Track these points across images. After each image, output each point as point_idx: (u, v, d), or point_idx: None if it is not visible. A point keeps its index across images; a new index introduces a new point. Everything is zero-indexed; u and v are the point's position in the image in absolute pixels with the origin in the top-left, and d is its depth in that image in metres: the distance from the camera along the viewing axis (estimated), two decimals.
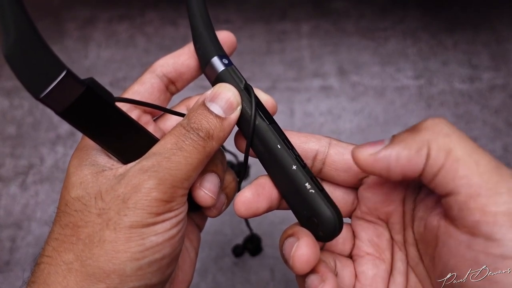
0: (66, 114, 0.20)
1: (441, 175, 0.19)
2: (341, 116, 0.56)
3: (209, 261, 0.47)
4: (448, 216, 0.19)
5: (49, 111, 0.58)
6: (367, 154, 0.21)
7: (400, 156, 0.20)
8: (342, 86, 0.58)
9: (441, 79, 0.58)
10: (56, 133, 0.56)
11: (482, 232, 0.17)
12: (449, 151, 0.19)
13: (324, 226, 0.23)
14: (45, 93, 0.19)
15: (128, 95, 0.26)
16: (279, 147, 0.24)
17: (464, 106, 0.56)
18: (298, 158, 0.24)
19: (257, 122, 0.24)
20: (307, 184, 0.23)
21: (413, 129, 0.21)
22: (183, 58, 0.28)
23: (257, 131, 0.25)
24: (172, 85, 0.28)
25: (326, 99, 0.57)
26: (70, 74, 0.19)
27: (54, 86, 0.19)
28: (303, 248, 0.22)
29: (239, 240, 0.48)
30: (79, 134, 0.56)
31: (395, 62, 0.60)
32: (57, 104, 0.19)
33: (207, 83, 0.29)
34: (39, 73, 0.18)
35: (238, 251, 0.47)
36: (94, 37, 0.64)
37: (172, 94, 0.29)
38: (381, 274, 0.25)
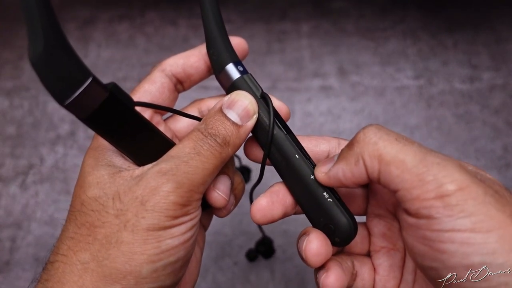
0: (89, 120, 0.20)
1: (381, 178, 0.21)
2: (341, 116, 0.56)
3: (209, 261, 0.47)
4: (401, 206, 0.22)
5: (49, 111, 0.58)
6: (322, 173, 0.24)
7: (344, 172, 0.23)
8: (342, 86, 0.58)
9: (441, 79, 0.58)
10: (56, 133, 0.56)
11: (423, 215, 0.20)
12: (379, 157, 0.21)
13: (341, 232, 0.24)
14: (70, 100, 0.18)
15: (139, 94, 0.27)
16: (297, 157, 0.25)
17: (464, 106, 0.56)
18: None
19: (275, 132, 0.25)
20: (325, 194, 0.25)
21: (349, 144, 0.23)
22: (193, 59, 0.28)
23: (275, 141, 0.25)
24: (179, 85, 0.28)
25: (326, 99, 0.57)
26: (95, 80, 0.19)
27: (79, 93, 0.19)
28: (313, 241, 0.24)
29: (239, 241, 0.48)
30: (79, 134, 0.56)
31: (395, 62, 0.60)
32: (81, 111, 0.19)
33: (211, 83, 0.29)
34: (65, 79, 0.18)
35: (251, 255, 0.46)
36: (94, 37, 0.64)
37: (179, 92, 0.29)
38: (397, 263, 0.26)
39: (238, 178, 0.29)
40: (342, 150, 0.24)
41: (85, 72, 0.19)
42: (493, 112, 0.55)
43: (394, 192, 0.21)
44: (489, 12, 0.63)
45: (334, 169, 0.23)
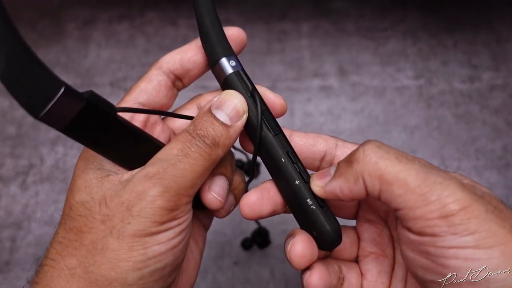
0: (67, 130, 0.20)
1: (382, 197, 0.21)
2: (341, 116, 0.56)
3: (209, 261, 0.47)
4: (401, 224, 0.22)
5: None
6: (318, 186, 0.24)
7: (342, 189, 0.23)
8: (342, 86, 0.58)
9: (441, 79, 0.58)
10: (56, 133, 0.56)
11: (427, 233, 0.20)
12: (380, 177, 0.21)
13: (323, 239, 0.24)
14: (44, 112, 0.18)
15: (135, 93, 0.26)
16: (283, 160, 0.24)
17: (464, 106, 0.56)
18: (302, 173, 0.25)
19: (263, 133, 0.25)
20: (308, 200, 0.24)
21: (348, 161, 0.23)
22: (190, 54, 0.27)
23: (263, 142, 0.25)
24: (178, 81, 0.28)
25: (326, 99, 0.57)
26: (68, 90, 0.18)
27: (53, 104, 0.18)
28: (298, 244, 0.24)
29: (239, 241, 0.48)
30: None
31: (395, 62, 0.60)
32: (58, 122, 0.19)
33: (210, 83, 0.28)
34: (37, 91, 0.18)
35: (246, 244, 0.47)
36: (94, 37, 0.64)
37: (179, 90, 0.28)
38: (385, 269, 0.26)
39: (239, 178, 0.28)
40: (339, 165, 0.23)
41: (56, 83, 0.18)
42: (493, 112, 0.55)
43: (395, 210, 0.21)
44: (489, 12, 0.63)
45: (332, 185, 0.23)
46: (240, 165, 0.49)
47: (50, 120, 0.18)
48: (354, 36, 0.62)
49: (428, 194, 0.20)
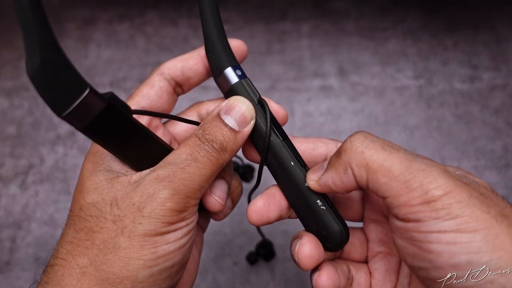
0: (86, 130, 0.20)
1: (370, 186, 0.22)
2: (341, 116, 0.56)
3: (209, 261, 0.47)
4: (389, 212, 0.22)
5: (49, 111, 0.58)
6: (313, 180, 0.24)
7: (334, 180, 0.23)
8: (342, 86, 0.58)
9: (441, 79, 0.58)
10: (56, 133, 0.56)
11: (411, 219, 0.21)
12: (366, 166, 0.22)
13: (333, 238, 0.25)
14: (68, 111, 0.19)
15: (138, 98, 0.27)
16: (292, 164, 0.25)
17: (464, 106, 0.56)
18: None
19: (271, 138, 0.25)
20: (318, 201, 0.25)
21: (337, 152, 0.24)
22: (191, 62, 0.28)
23: (271, 147, 0.25)
24: (178, 88, 0.29)
25: (326, 99, 0.57)
26: (92, 91, 0.19)
27: (77, 105, 0.19)
28: (305, 245, 0.25)
29: (239, 241, 0.48)
30: (79, 134, 0.56)
31: (395, 62, 0.60)
32: (79, 121, 0.20)
33: (210, 83, 0.29)
34: (63, 91, 0.19)
35: (252, 258, 0.47)
36: (94, 37, 0.64)
37: (178, 95, 0.29)
38: (393, 267, 0.26)
39: (236, 182, 0.29)
40: (331, 158, 0.24)
41: (82, 84, 0.19)
42: (493, 112, 0.55)
43: (382, 198, 0.22)
44: (489, 12, 0.63)
45: (324, 178, 0.24)
46: (234, 168, 0.49)
47: (72, 119, 0.19)
48: (354, 36, 0.62)
49: (411, 181, 0.20)
